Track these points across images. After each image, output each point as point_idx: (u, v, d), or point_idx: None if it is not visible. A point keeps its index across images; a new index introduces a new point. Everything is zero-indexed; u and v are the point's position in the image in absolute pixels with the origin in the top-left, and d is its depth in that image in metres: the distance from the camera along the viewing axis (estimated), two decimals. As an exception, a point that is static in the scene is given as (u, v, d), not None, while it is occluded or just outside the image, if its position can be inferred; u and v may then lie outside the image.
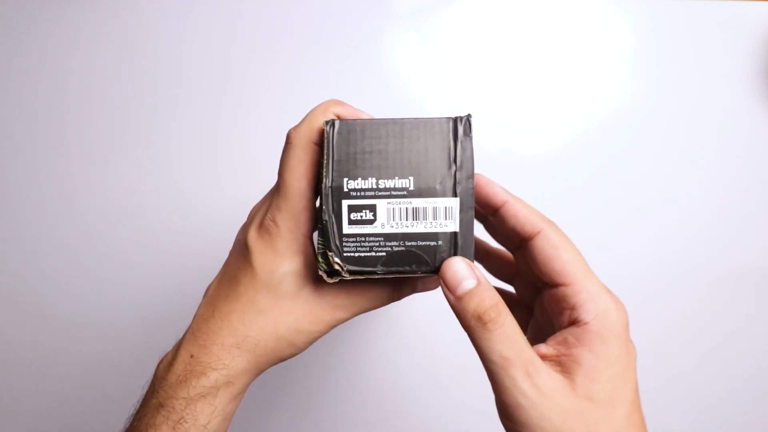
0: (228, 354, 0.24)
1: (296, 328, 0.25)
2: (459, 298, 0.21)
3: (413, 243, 0.22)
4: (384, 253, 0.22)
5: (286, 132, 0.24)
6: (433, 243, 0.22)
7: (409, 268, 0.22)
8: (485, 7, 0.46)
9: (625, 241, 0.45)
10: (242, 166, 0.45)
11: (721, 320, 0.44)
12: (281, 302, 0.24)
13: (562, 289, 0.22)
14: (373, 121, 0.22)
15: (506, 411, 0.20)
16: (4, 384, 0.45)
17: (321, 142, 0.23)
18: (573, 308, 0.21)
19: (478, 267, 0.22)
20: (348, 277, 0.22)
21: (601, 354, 0.20)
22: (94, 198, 0.45)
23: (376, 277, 0.22)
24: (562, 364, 0.21)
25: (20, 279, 0.45)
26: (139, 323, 0.45)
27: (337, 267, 0.22)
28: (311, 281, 0.24)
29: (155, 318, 0.45)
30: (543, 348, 0.22)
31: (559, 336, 0.22)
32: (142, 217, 0.45)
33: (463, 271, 0.21)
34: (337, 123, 0.22)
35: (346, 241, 0.22)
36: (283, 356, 0.26)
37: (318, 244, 0.22)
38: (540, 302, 0.25)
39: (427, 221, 0.22)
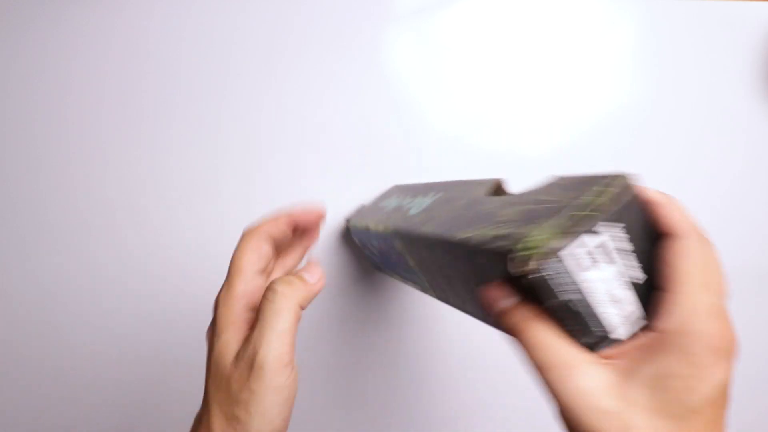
0: None
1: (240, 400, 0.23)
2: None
3: None
4: None
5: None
6: None
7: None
8: (485, 7, 0.46)
9: (625, 241, 0.45)
10: (242, 166, 0.45)
11: (721, 320, 0.44)
12: (225, 383, 0.24)
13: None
14: None
15: None
16: (4, 385, 0.45)
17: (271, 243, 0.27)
18: None
19: None
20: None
21: None
22: (94, 198, 0.45)
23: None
24: None
25: (19, 279, 0.45)
26: (138, 323, 0.45)
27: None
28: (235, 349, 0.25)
29: (155, 318, 0.45)
30: None
31: None
32: (142, 216, 0.45)
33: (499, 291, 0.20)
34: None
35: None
36: None
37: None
38: None
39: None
